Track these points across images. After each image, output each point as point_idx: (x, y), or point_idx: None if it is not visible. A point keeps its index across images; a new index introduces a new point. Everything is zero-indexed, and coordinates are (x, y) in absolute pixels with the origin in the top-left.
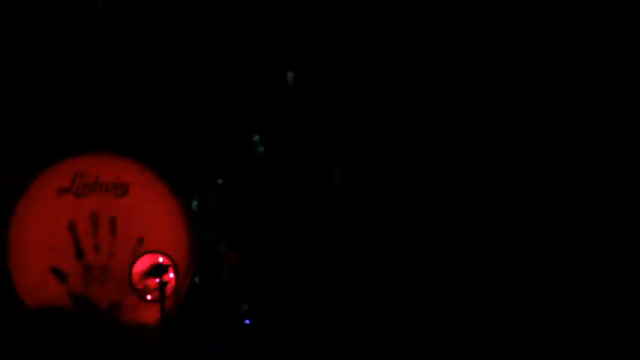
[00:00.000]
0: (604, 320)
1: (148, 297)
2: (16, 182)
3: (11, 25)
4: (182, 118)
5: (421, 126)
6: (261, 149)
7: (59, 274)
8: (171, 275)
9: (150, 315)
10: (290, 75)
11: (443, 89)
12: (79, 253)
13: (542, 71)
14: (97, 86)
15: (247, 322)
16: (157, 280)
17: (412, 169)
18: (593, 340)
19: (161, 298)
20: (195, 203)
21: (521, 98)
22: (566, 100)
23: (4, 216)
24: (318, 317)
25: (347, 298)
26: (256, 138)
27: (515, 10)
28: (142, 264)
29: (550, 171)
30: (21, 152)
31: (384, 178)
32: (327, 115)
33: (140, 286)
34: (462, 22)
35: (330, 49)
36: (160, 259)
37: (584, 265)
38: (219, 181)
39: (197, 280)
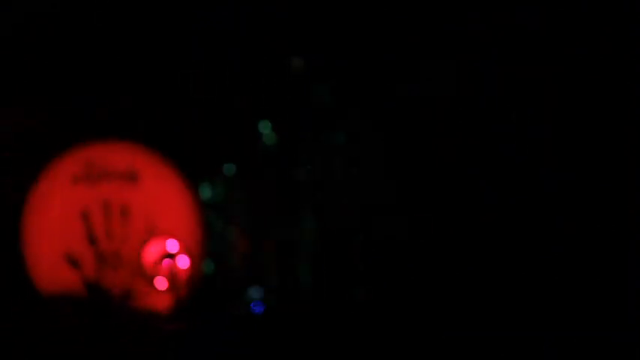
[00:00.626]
0: (604, 320)
1: (160, 284)
2: (16, 183)
3: (11, 24)
4: (188, 108)
5: (421, 126)
6: (271, 138)
7: (72, 261)
8: (183, 262)
9: (161, 302)
10: (298, 61)
11: (443, 89)
12: (92, 240)
13: (542, 71)
14: (98, 86)
15: (258, 309)
16: (169, 267)
17: (412, 168)
18: (593, 340)
19: (172, 285)
20: (206, 190)
21: (521, 98)
22: (566, 100)
23: (6, 217)
24: (321, 313)
25: (347, 298)
26: (267, 128)
27: (515, 10)
28: (154, 251)
29: (550, 171)
30: (21, 153)
31: (384, 177)
32: (326, 114)
33: (152, 273)
34: (462, 22)
35: (329, 49)
36: (172, 246)
37: (584, 265)
38: (230, 168)
39: (208, 267)
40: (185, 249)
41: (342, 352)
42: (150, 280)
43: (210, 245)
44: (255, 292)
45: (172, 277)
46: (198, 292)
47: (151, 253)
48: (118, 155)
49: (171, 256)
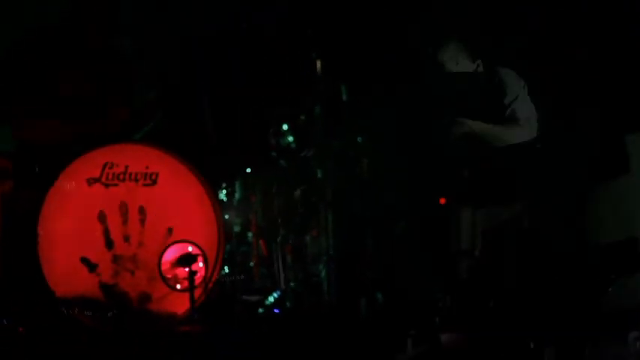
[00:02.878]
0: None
1: (178, 286)
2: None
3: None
4: (207, 112)
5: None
6: (290, 139)
7: (89, 264)
8: (201, 265)
9: (178, 305)
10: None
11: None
12: (109, 243)
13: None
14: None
15: (277, 311)
16: (187, 269)
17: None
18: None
19: (190, 287)
20: (224, 192)
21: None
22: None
23: (22, 220)
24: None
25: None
26: (285, 127)
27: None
28: (172, 253)
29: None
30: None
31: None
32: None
33: (169, 276)
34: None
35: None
36: (190, 249)
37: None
38: (248, 170)
39: (226, 269)
40: (202, 252)
41: (357, 354)
42: (168, 282)
43: (228, 246)
44: (272, 295)
45: (189, 279)
46: (214, 295)
47: (169, 255)
48: (136, 157)
49: (190, 257)
